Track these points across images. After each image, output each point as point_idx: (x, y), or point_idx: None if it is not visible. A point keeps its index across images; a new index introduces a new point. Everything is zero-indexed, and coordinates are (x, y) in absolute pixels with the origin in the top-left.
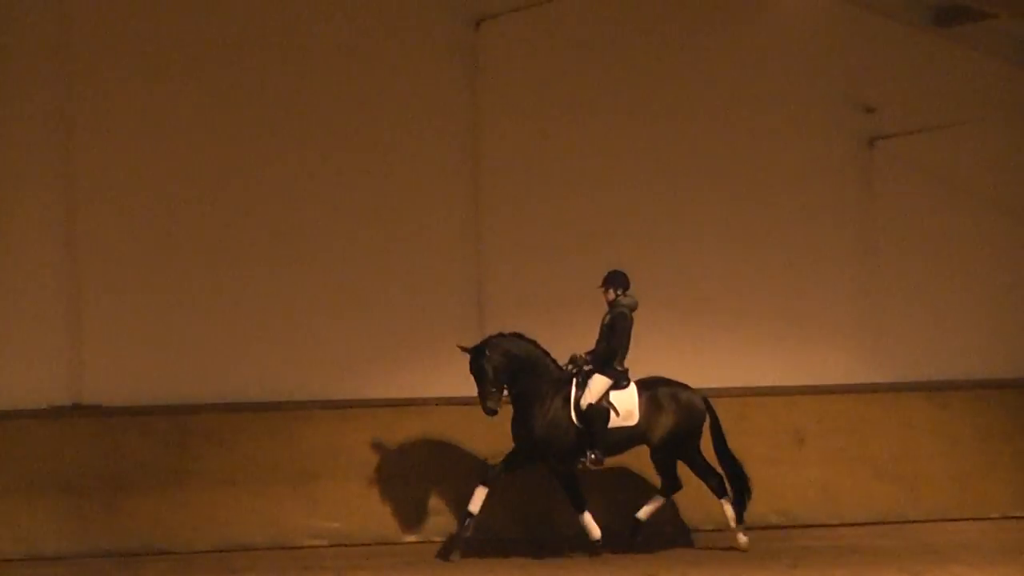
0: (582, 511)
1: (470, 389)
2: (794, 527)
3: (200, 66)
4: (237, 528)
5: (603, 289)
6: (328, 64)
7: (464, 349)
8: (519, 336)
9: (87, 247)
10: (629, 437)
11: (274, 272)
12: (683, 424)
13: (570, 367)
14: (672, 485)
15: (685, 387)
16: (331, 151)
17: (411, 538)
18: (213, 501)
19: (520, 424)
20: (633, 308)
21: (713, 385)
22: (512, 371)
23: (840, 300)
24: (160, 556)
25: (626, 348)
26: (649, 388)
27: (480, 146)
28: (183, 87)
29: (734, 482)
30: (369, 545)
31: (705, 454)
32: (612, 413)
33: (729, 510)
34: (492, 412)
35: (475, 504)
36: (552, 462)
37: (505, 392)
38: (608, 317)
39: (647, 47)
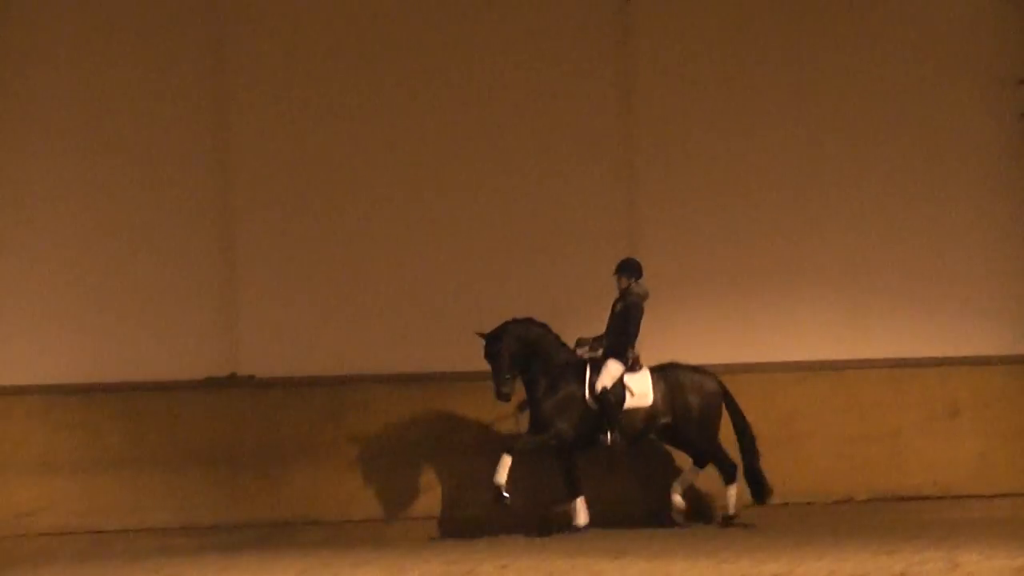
0: (576, 496)
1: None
2: (948, 498)
3: (349, 45)
4: (390, 498)
5: (616, 276)
6: (476, 40)
7: (480, 335)
8: (532, 321)
9: (242, 222)
10: (645, 419)
11: (426, 246)
12: (698, 407)
13: (579, 350)
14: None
15: (700, 370)
16: (478, 130)
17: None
18: (366, 471)
19: (534, 408)
20: (645, 297)
21: (867, 356)
22: (526, 356)
23: (996, 272)
24: (314, 525)
25: (636, 336)
26: (664, 372)
27: (631, 116)
28: (334, 66)
29: (748, 461)
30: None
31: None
32: (627, 394)
33: (732, 497)
34: (506, 398)
35: (501, 475)
36: (565, 444)
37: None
38: (620, 305)
39: (794, 21)
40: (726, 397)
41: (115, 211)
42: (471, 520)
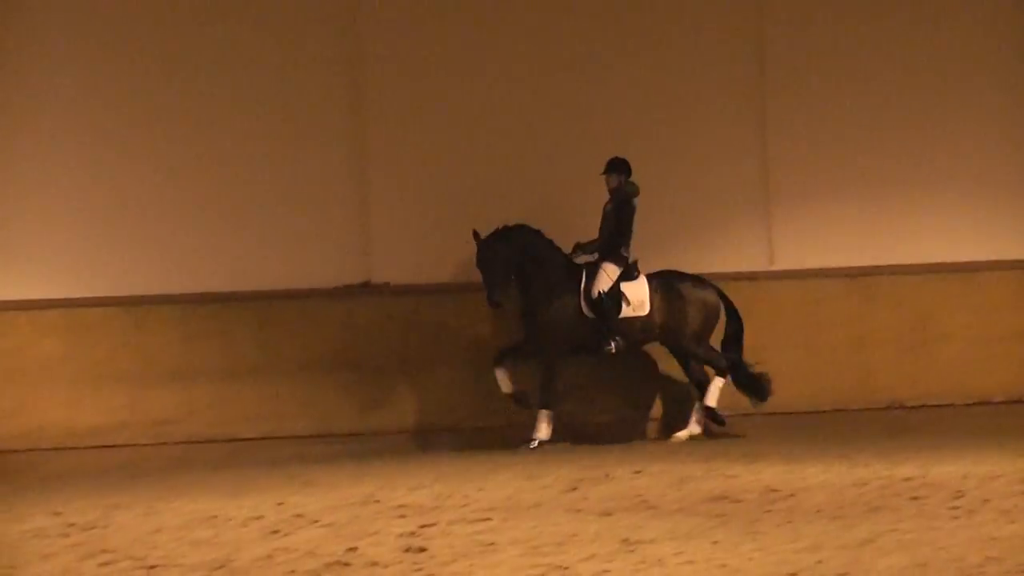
0: (546, 407)
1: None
2: None
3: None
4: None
5: (606, 175)
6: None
7: (476, 237)
8: (526, 227)
9: (376, 131)
10: (642, 328)
11: (551, 161)
12: (698, 317)
13: (573, 256)
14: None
15: (700, 279)
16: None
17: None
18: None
19: (529, 316)
20: (636, 195)
21: (995, 258)
22: (520, 263)
23: None
24: (449, 432)
25: (630, 235)
26: (662, 280)
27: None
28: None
29: (738, 373)
30: None
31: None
32: (624, 303)
33: (715, 389)
34: (498, 305)
35: (505, 386)
36: (557, 352)
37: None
38: (611, 204)
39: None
40: (727, 307)
41: (251, 125)
42: (602, 426)
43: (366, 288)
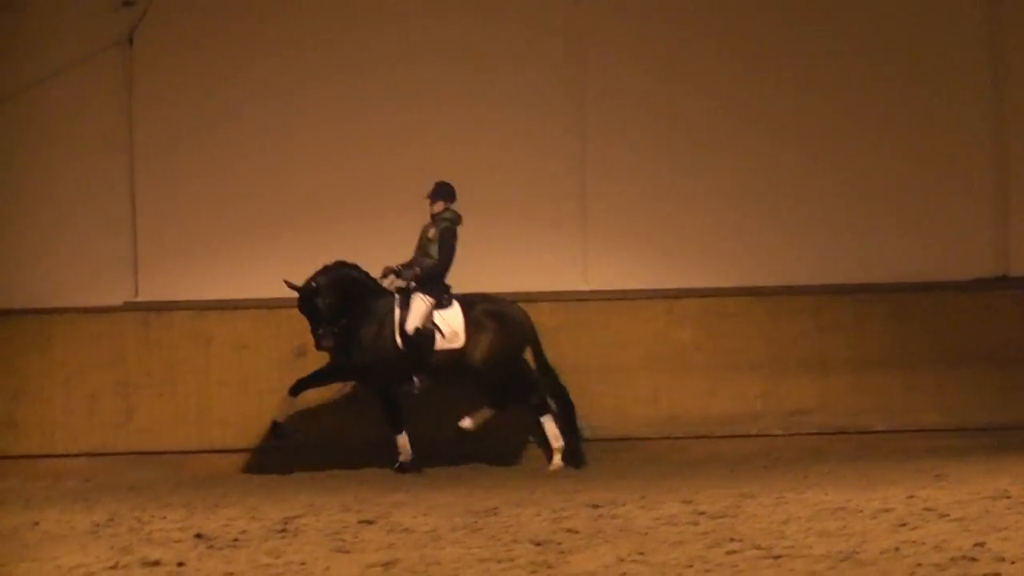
0: (399, 432)
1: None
2: None
3: None
4: None
5: (430, 200)
6: None
7: (291, 286)
8: (343, 264)
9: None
10: (456, 360)
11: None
12: (507, 341)
13: (385, 280)
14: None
15: (508, 302)
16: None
17: None
18: None
19: (343, 349)
20: (458, 222)
21: None
22: (342, 303)
23: None
24: None
25: (451, 264)
26: (471, 306)
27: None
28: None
29: (557, 399)
30: None
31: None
32: (438, 335)
33: (552, 428)
34: (328, 349)
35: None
36: (376, 385)
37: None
38: (433, 231)
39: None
40: (532, 335)
41: (889, 113)
42: None
43: (1003, 282)
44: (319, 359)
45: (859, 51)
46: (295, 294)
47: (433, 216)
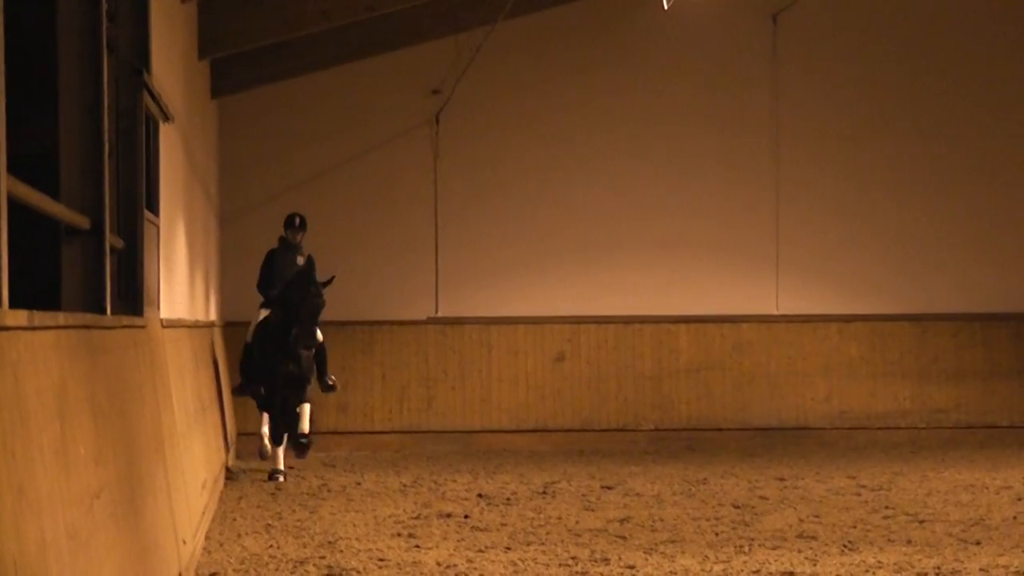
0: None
1: None
2: None
3: None
4: None
5: (300, 232)
6: None
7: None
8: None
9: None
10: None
11: None
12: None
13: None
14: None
15: None
16: None
17: None
18: None
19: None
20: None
21: None
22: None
23: None
24: None
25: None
26: None
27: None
28: None
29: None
30: None
31: None
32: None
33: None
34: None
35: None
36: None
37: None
38: (303, 259)
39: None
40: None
41: None
42: None
43: None
44: (576, 363)
45: (979, 109)
46: (560, 311)
47: (296, 244)
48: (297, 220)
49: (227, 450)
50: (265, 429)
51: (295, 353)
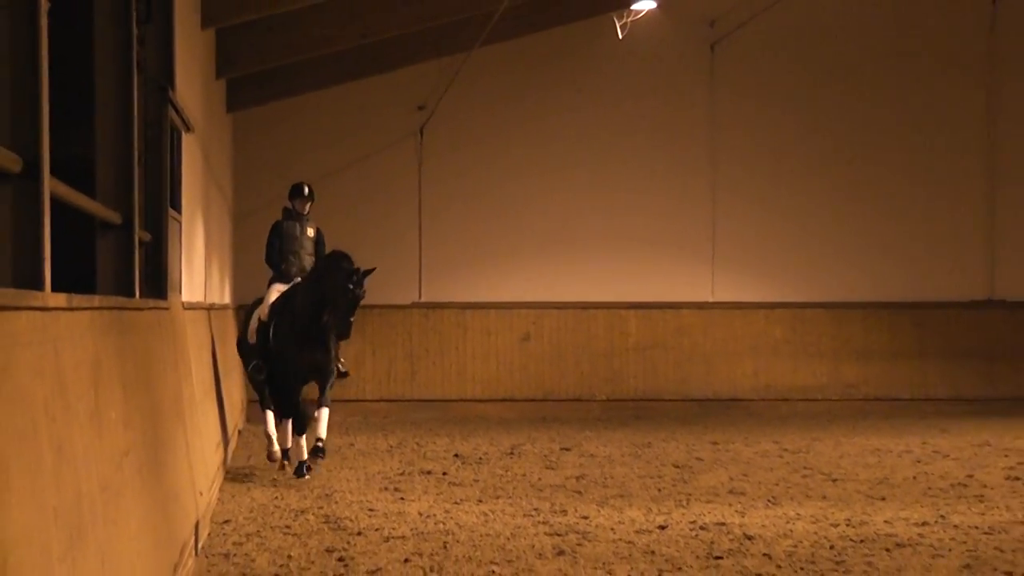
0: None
1: None
2: None
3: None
4: None
5: (309, 201)
6: None
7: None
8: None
9: None
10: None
11: None
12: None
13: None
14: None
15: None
16: None
17: None
18: None
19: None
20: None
21: None
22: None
23: None
24: None
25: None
26: None
27: None
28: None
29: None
30: None
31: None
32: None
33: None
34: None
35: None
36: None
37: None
38: (313, 230)
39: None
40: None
41: None
42: None
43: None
44: (539, 342)
45: (886, 124)
46: (525, 297)
47: (306, 214)
48: (306, 189)
49: (240, 414)
50: (271, 430)
51: (323, 340)
